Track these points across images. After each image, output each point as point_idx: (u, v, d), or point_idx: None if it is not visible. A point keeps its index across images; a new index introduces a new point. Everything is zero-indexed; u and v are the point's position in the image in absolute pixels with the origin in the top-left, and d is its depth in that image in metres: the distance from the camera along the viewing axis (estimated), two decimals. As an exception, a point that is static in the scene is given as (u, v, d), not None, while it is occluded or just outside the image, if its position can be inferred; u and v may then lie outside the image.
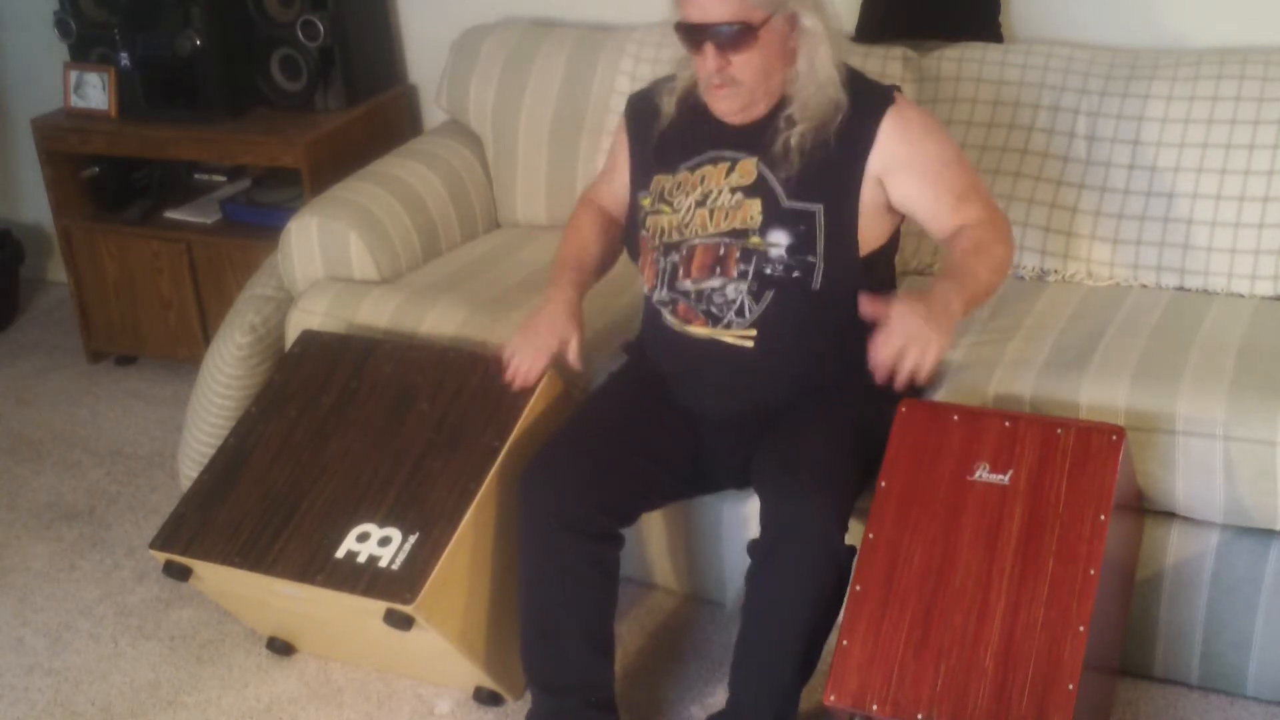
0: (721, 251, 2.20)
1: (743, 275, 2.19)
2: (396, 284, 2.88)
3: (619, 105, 2.64)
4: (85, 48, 3.58)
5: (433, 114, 3.60)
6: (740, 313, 2.20)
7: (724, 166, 2.22)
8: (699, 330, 2.24)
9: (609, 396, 2.37)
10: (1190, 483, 2.20)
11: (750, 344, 2.21)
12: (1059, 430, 2.03)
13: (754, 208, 2.19)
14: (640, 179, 2.35)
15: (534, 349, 2.33)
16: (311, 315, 2.77)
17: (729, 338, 2.22)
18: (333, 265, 2.89)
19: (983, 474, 2.02)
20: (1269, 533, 2.21)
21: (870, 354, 2.03)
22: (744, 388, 2.24)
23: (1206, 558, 2.25)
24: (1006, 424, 2.06)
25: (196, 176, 3.80)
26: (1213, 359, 2.32)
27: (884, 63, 2.88)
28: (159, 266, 3.56)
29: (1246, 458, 2.15)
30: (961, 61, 2.85)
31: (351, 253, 2.88)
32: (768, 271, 2.18)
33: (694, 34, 2.12)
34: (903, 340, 1.99)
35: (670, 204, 2.25)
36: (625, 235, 2.42)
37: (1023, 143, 2.76)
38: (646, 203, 2.30)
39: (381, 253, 2.91)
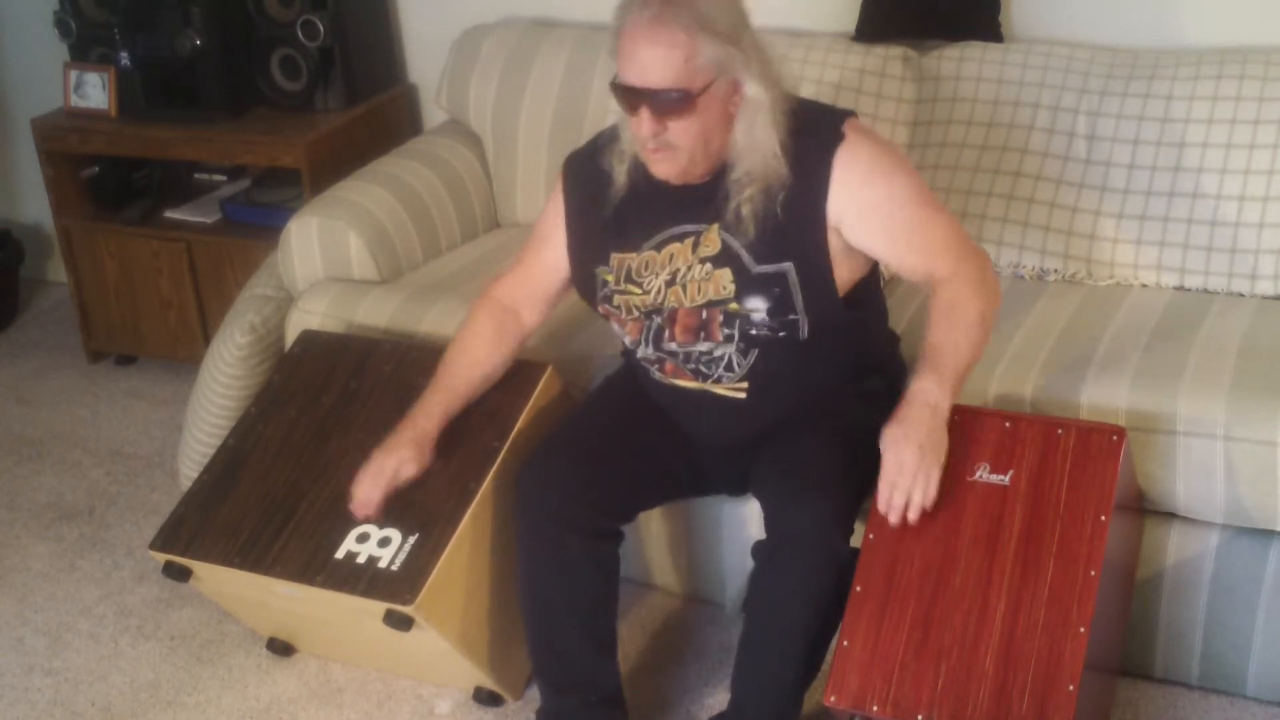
0: (704, 316, 2.13)
1: (729, 339, 2.13)
2: (396, 284, 2.88)
3: (617, 110, 2.62)
4: (85, 48, 3.58)
5: (433, 114, 3.60)
6: (729, 368, 2.15)
7: (689, 242, 2.13)
8: (688, 384, 2.20)
9: (606, 398, 2.37)
10: (1190, 483, 2.20)
11: (743, 395, 2.17)
12: (1059, 431, 2.03)
13: (725, 277, 2.10)
14: (595, 251, 2.22)
15: (371, 476, 2.24)
16: (311, 315, 2.77)
17: (720, 390, 2.18)
18: (333, 265, 2.89)
19: (983, 474, 2.02)
20: (1269, 533, 2.21)
21: (877, 503, 2.01)
22: (738, 426, 2.21)
23: (1206, 558, 2.25)
24: (1007, 424, 2.06)
25: (196, 176, 3.80)
26: (1213, 359, 2.32)
27: (884, 62, 2.88)
28: (159, 266, 3.56)
29: (1246, 458, 2.15)
30: (961, 61, 2.85)
31: (351, 253, 2.87)
32: (753, 333, 2.12)
33: (630, 96, 2.01)
34: (906, 485, 1.98)
35: (639, 285, 2.17)
36: (580, 293, 2.30)
37: (1023, 143, 2.76)
38: (610, 278, 2.20)
39: (381, 253, 2.91)
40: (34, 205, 4.12)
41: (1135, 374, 2.29)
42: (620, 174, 2.16)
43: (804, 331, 2.11)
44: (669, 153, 2.04)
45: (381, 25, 3.54)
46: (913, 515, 2.00)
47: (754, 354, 2.14)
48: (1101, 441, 2.00)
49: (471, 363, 2.32)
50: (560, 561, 2.17)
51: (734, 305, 2.11)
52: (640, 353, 2.22)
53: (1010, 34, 2.94)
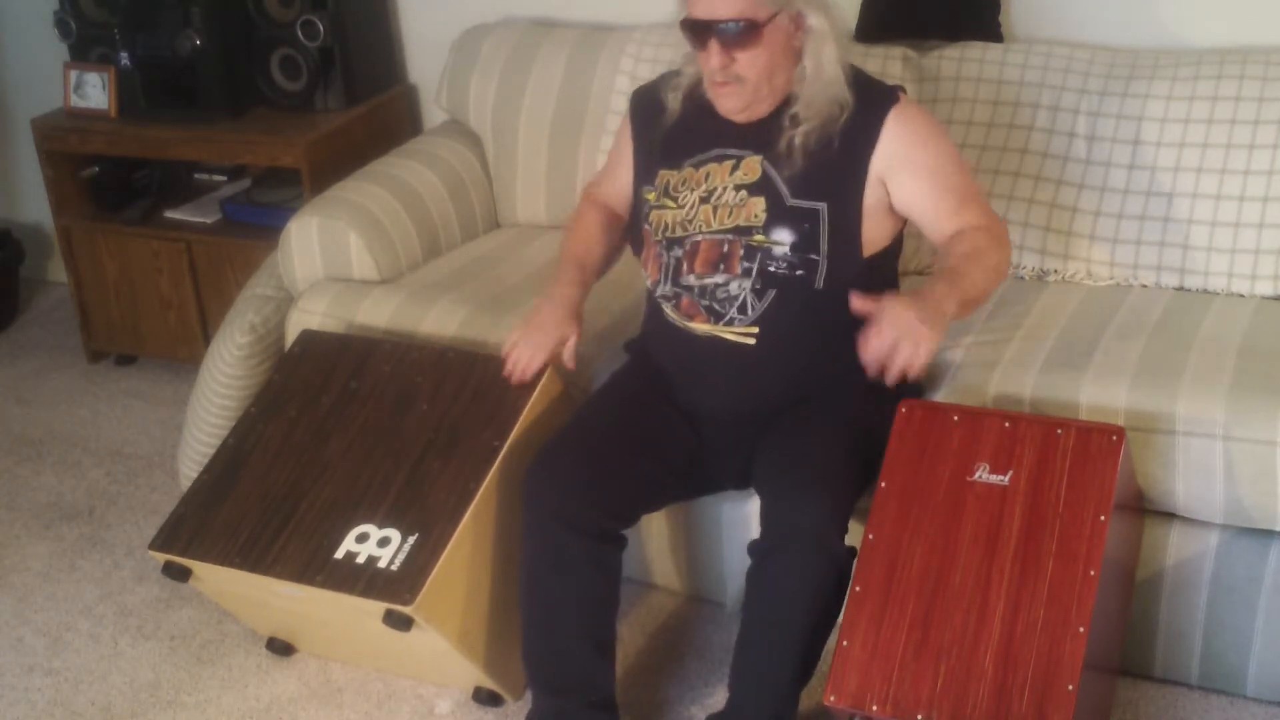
0: (725, 248, 2.20)
1: (746, 272, 2.19)
2: (396, 284, 2.88)
3: (619, 105, 2.64)
4: (85, 48, 3.58)
5: (433, 114, 3.60)
6: (743, 309, 2.20)
7: (729, 164, 2.22)
8: (700, 327, 2.24)
9: (610, 396, 2.37)
10: (1190, 483, 2.20)
11: (752, 341, 2.21)
12: (1059, 430, 2.03)
13: (758, 205, 2.19)
14: (645, 173, 2.34)
15: (533, 345, 2.34)
16: (311, 315, 2.77)
17: (730, 335, 2.22)
18: (333, 265, 2.89)
19: (982, 474, 2.02)
20: (1269, 533, 2.21)
21: (861, 348, 2.00)
22: (745, 386, 2.24)
23: (1206, 558, 2.25)
24: (1006, 424, 2.06)
25: (196, 176, 3.80)
26: (1213, 359, 2.32)
27: (884, 63, 2.88)
28: (159, 266, 3.56)
29: (1246, 458, 2.15)
30: (961, 61, 2.85)
31: (351, 253, 2.88)
32: (771, 269, 2.18)
33: (699, 30, 2.12)
34: (894, 335, 1.97)
35: (674, 199, 2.26)
36: (629, 229, 2.42)
37: (1023, 143, 2.76)
38: (651, 196, 2.30)
39: (381, 253, 2.91)
40: (34, 205, 4.12)
41: (1135, 374, 2.29)
42: (674, 100, 2.29)
43: (820, 279, 2.17)
44: (736, 86, 2.14)
45: (381, 25, 3.54)
46: (891, 377, 1.99)
47: (769, 295, 2.18)
48: (1101, 441, 2.00)
49: (595, 241, 2.45)
50: (564, 561, 2.18)
51: (760, 236, 2.17)
52: (659, 290, 2.28)
53: (1010, 34, 2.95)
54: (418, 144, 3.25)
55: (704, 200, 2.23)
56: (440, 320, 2.68)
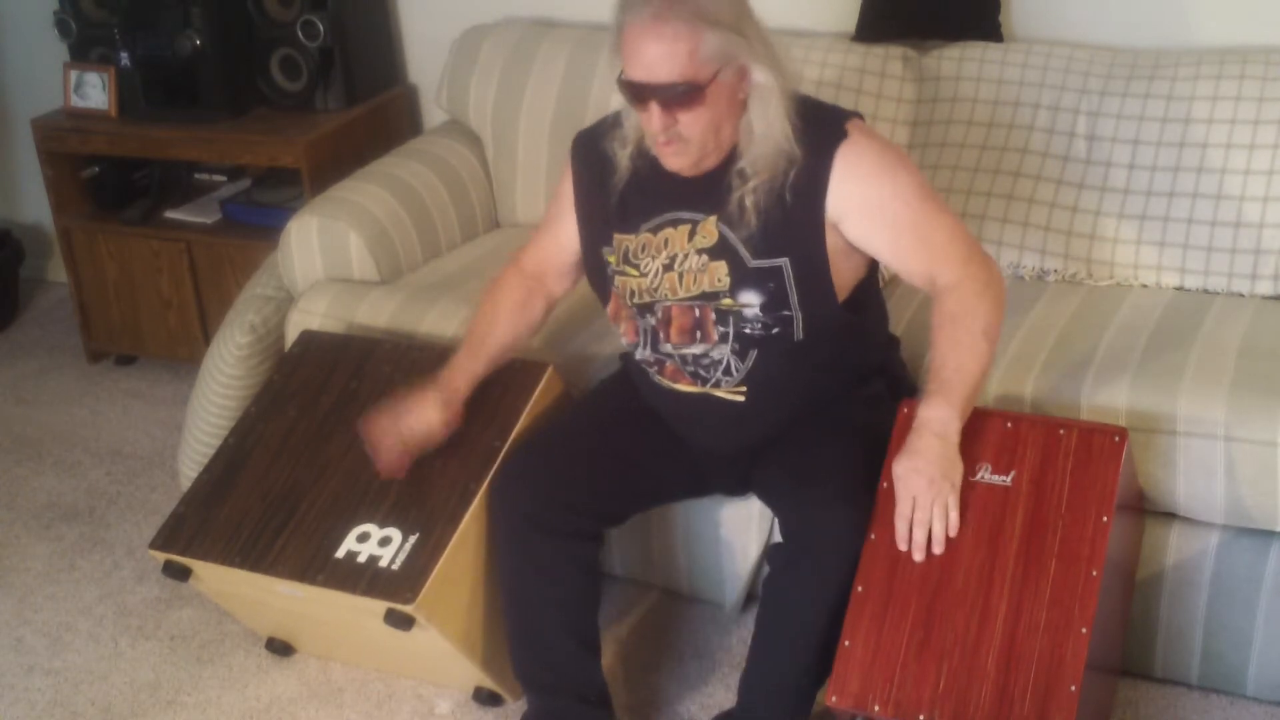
0: (698, 314, 2.11)
1: (724, 338, 2.11)
2: (396, 284, 2.88)
3: (619, 105, 2.62)
4: (85, 48, 3.58)
5: (433, 114, 3.60)
6: (728, 372, 2.14)
7: (685, 229, 2.12)
8: (687, 388, 2.19)
9: (596, 403, 2.36)
10: (1191, 483, 2.20)
11: (742, 398, 2.16)
12: (1061, 431, 2.03)
13: (720, 270, 2.09)
14: (600, 231, 2.22)
15: (396, 437, 2.26)
16: (311, 315, 2.77)
17: (720, 393, 2.17)
18: (333, 265, 2.89)
19: (984, 475, 2.02)
20: (1269, 533, 2.21)
21: (896, 537, 1.99)
22: (739, 432, 2.20)
23: (1206, 558, 2.25)
24: (1008, 425, 2.05)
25: (196, 176, 3.80)
26: (1213, 359, 2.32)
27: (884, 62, 2.88)
28: (159, 266, 3.56)
29: (1247, 458, 2.15)
30: (961, 61, 2.85)
31: (351, 253, 2.87)
32: (747, 331, 2.10)
33: (638, 92, 1.98)
34: (924, 518, 1.97)
35: (636, 267, 2.16)
36: (590, 280, 2.31)
37: (1023, 143, 2.76)
38: (613, 260, 2.20)
39: (381, 253, 2.91)
40: (34, 205, 4.12)
41: (1135, 374, 2.29)
42: (623, 158, 2.16)
43: (799, 331, 2.10)
44: (680, 145, 2.02)
45: (381, 25, 3.54)
46: (936, 548, 1.98)
47: (751, 355, 2.12)
48: (1103, 442, 2.00)
49: (498, 327, 2.32)
50: (537, 560, 2.18)
51: (728, 300, 2.10)
52: (640, 355, 2.22)
53: (1010, 34, 2.95)
54: (418, 144, 3.25)
55: (666, 268, 2.13)
56: (440, 320, 2.68)
